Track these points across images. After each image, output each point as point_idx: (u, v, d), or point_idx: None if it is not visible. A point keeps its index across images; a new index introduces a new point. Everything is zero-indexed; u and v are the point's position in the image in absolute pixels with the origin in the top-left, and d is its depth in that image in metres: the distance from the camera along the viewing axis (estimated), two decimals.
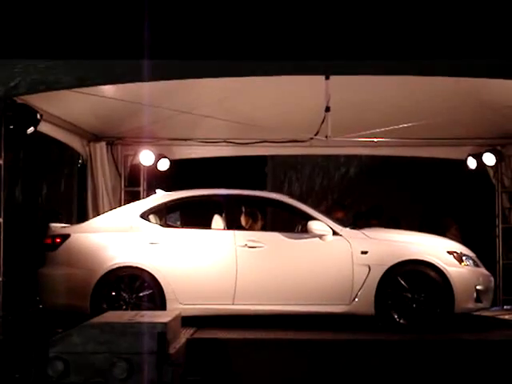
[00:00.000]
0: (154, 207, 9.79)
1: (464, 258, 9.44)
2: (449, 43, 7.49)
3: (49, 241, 9.58)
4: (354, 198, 14.12)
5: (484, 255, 9.98)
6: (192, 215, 11.27)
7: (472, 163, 12.68)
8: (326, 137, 10.90)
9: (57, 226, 9.75)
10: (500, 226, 12.88)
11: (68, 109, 10.43)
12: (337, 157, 15.73)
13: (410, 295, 9.18)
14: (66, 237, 9.51)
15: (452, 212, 13.92)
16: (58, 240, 9.50)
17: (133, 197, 12.15)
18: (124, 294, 9.22)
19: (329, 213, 12.16)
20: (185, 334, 8.21)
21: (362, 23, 7.48)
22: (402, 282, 9.19)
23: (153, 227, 9.62)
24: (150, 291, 9.23)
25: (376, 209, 12.79)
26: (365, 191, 15.20)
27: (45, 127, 10.09)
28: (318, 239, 9.36)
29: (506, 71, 8.01)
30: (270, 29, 7.49)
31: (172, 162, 12.90)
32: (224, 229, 9.61)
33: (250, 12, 7.53)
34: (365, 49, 7.47)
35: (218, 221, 9.70)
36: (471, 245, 9.88)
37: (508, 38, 7.43)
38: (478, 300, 9.39)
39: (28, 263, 10.38)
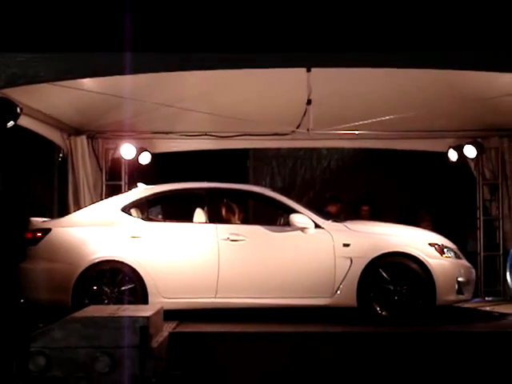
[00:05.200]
0: (135, 201, 9.76)
1: (445, 250, 9.49)
2: (433, 35, 7.51)
3: (30, 235, 9.54)
4: (336, 191, 14.10)
5: (460, 247, 10.01)
6: (174, 209, 11.25)
7: (453, 155, 12.73)
8: (308, 130, 10.91)
9: (38, 221, 9.70)
10: (481, 218, 12.93)
11: (48, 102, 10.37)
12: (319, 149, 15.72)
13: (391, 287, 9.21)
14: (47, 231, 9.47)
15: (431, 204, 14.00)
16: (39, 234, 9.46)
17: (114, 191, 12.10)
18: (106, 289, 9.20)
19: (324, 206, 12.25)
20: (167, 328, 8.19)
21: (345, 15, 7.50)
22: (384, 275, 9.22)
23: (134, 221, 9.59)
24: (132, 285, 9.21)
25: (369, 196, 12.93)
26: (347, 184, 15.20)
27: (25, 121, 10.02)
28: (300, 232, 9.37)
29: (491, 63, 8.03)
30: (252, 20, 7.49)
31: (153, 155, 12.85)
32: (206, 222, 9.60)
33: (233, 4, 7.52)
34: (347, 40, 7.48)
35: (199, 214, 9.69)
36: (447, 237, 9.92)
37: (493, 30, 7.46)
38: (459, 292, 9.44)
39: (9, 258, 10.31)
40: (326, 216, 10.44)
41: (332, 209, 12.31)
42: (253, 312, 9.35)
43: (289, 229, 9.44)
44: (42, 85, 8.82)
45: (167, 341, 7.72)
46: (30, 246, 9.53)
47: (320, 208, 12.17)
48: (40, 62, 7.75)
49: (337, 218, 11.23)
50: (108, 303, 9.07)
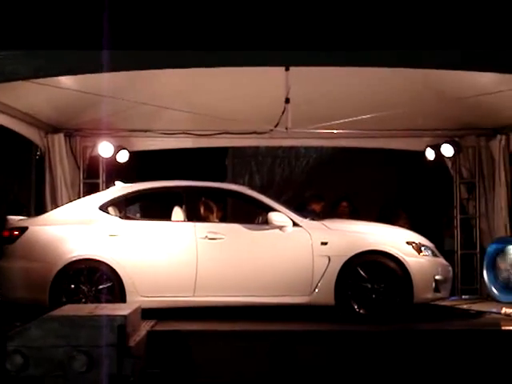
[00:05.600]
0: (113, 199, 9.73)
1: (423, 248, 9.53)
2: (414, 34, 7.54)
3: (6, 233, 9.48)
4: (315, 189, 14.15)
5: (437, 246, 10.07)
6: (152, 207, 11.23)
7: (430, 154, 12.78)
8: (286, 128, 10.92)
9: (15, 219, 9.64)
10: (458, 217, 13.01)
11: (25, 100, 10.30)
12: (298, 148, 15.75)
13: (369, 285, 9.24)
14: (24, 229, 9.41)
15: (409, 202, 14.08)
16: (16, 233, 9.40)
17: (92, 189, 12.05)
18: (83, 287, 9.16)
19: (307, 205, 12.29)
20: (145, 327, 8.17)
21: (324, 13, 7.51)
22: (362, 273, 9.25)
23: (112, 219, 9.56)
24: (110, 284, 9.18)
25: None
26: (326, 182, 15.24)
27: (1, 119, 9.98)
28: (278, 230, 9.38)
29: (473, 63, 8.07)
30: (230, 19, 7.49)
31: (131, 153, 12.80)
32: (184, 221, 9.59)
33: (211, 2, 7.52)
34: (326, 39, 7.50)
35: (178, 213, 9.67)
36: (424, 235, 9.97)
37: (473, 29, 7.50)
38: (436, 290, 9.49)
39: None
40: (310, 214, 10.49)
41: (316, 207, 12.37)
42: (231, 310, 9.34)
43: (267, 227, 9.44)
44: (19, 82, 8.77)
45: (145, 339, 7.70)
46: (6, 245, 9.46)
47: (303, 206, 12.25)
48: (17, 60, 7.72)
49: (319, 215, 11.29)
50: (85, 302, 9.02)
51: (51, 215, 9.92)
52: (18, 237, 9.38)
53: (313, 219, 9.78)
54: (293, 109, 10.54)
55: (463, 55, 7.81)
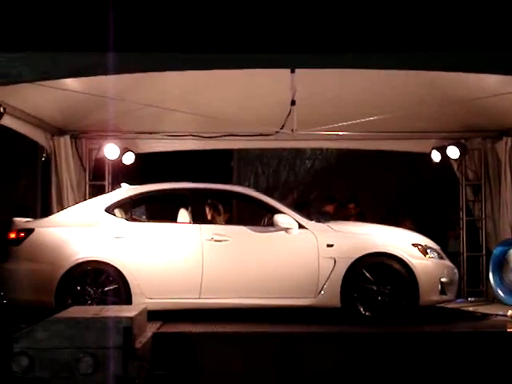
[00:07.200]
0: (119, 201, 9.74)
1: (428, 250, 9.52)
2: (418, 37, 7.54)
3: (13, 235, 9.48)
4: (320, 191, 14.19)
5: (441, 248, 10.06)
6: (158, 209, 11.23)
7: (436, 156, 12.78)
8: (292, 130, 10.93)
9: (21, 221, 9.65)
10: (464, 219, 13.00)
11: (31, 102, 10.32)
12: (303, 150, 15.76)
13: (375, 288, 9.23)
14: (30, 231, 9.42)
15: (414, 204, 14.09)
16: (22, 234, 9.41)
17: (98, 191, 12.07)
18: (89, 289, 9.16)
19: (320, 206, 12.34)
20: (151, 329, 8.18)
21: (329, 16, 7.51)
22: (368, 275, 9.24)
23: (118, 221, 9.57)
24: (116, 285, 9.18)
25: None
26: (331, 184, 15.26)
27: (8, 121, 9.98)
28: (283, 232, 9.38)
29: (476, 65, 8.06)
30: (237, 22, 7.48)
31: (137, 155, 12.83)
32: (190, 222, 9.59)
33: (218, 4, 7.52)
34: (331, 42, 7.50)
35: (183, 214, 9.67)
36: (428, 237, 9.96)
37: (477, 31, 7.49)
38: (442, 292, 9.48)
39: None
40: (325, 216, 10.50)
41: (329, 208, 12.43)
42: (237, 312, 9.34)
43: (273, 229, 9.44)
44: (25, 85, 8.80)
45: (151, 341, 7.70)
46: (12, 247, 9.47)
47: (305, 206, 12.30)
48: (22, 62, 7.72)
49: (332, 217, 11.30)
50: (91, 304, 9.04)
51: (57, 217, 9.93)
52: (23, 239, 9.39)
53: (319, 221, 9.75)
54: (298, 111, 10.55)
55: (472, 57, 7.80)
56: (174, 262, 9.33)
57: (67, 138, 12.15)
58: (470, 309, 11.01)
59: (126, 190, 10.09)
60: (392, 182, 15.25)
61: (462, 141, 12.64)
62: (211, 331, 8.58)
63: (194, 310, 9.32)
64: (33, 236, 9.39)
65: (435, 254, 9.57)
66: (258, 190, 11.13)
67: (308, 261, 9.29)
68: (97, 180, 12.74)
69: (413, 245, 9.48)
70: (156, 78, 9.84)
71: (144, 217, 11.34)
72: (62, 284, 9.13)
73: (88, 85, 9.81)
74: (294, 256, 9.34)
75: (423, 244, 9.57)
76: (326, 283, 9.25)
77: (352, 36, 7.57)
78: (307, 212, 11.20)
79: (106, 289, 9.18)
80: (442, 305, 9.89)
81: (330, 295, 9.24)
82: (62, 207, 11.45)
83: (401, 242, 9.52)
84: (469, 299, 12.25)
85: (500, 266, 10.58)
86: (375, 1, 7.55)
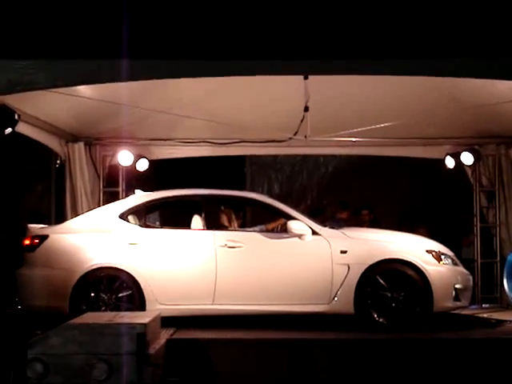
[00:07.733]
0: (132, 208, 9.76)
1: (443, 256, 9.49)
2: (429, 43, 7.53)
3: (27, 241, 9.53)
4: (334, 198, 14.15)
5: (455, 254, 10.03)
6: (171, 215, 11.25)
7: (450, 162, 12.75)
8: (305, 137, 10.93)
9: (35, 227, 9.69)
10: (478, 225, 12.95)
11: (46, 109, 10.37)
12: (316, 156, 15.74)
13: (389, 294, 9.21)
14: (44, 237, 9.46)
15: (428, 210, 14.03)
16: (37, 241, 9.45)
17: (111, 197, 12.10)
18: (103, 295, 9.19)
19: (333, 213, 12.36)
20: (164, 335, 8.19)
21: (342, 23, 7.52)
22: (381, 281, 9.22)
23: (132, 228, 9.59)
24: (130, 292, 9.20)
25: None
26: (344, 190, 15.22)
27: (23, 128, 10.03)
28: (297, 239, 9.37)
29: (486, 71, 8.05)
30: (251, 28, 7.50)
31: (151, 162, 12.85)
32: (203, 229, 9.60)
33: (231, 11, 7.54)
34: (345, 48, 7.51)
35: (197, 221, 9.68)
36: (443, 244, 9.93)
37: (487, 37, 7.48)
38: (456, 299, 9.45)
39: (6, 264, 10.30)
40: (339, 223, 10.49)
41: (343, 215, 12.44)
42: (250, 319, 9.34)
43: (286, 235, 9.44)
44: (39, 92, 8.84)
45: (164, 347, 7.71)
46: (27, 253, 9.51)
47: (321, 213, 12.32)
48: (36, 69, 7.76)
49: (347, 223, 11.29)
50: (105, 310, 9.07)
51: (71, 223, 9.97)
52: (38, 245, 9.43)
53: (332, 227, 9.73)
54: (312, 117, 10.56)
55: (481, 63, 7.79)
56: (188, 268, 9.34)
57: (81, 144, 12.20)
58: (485, 315, 10.96)
59: (140, 197, 10.11)
60: (405, 188, 15.19)
61: (476, 147, 12.60)
62: (224, 337, 8.58)
63: (207, 316, 9.32)
64: (47, 242, 9.43)
65: (449, 261, 9.54)
66: (271, 196, 11.11)
67: (321, 267, 9.28)
68: (111, 186, 12.78)
69: (427, 251, 9.46)
70: (170, 85, 9.86)
71: (157, 223, 11.36)
72: (76, 290, 9.16)
73: (102, 92, 9.85)
74: (308, 262, 9.33)
75: (437, 250, 9.54)
76: (340, 290, 9.24)
77: (365, 43, 7.58)
78: (322, 218, 11.21)
79: (120, 295, 9.20)
80: (456, 311, 9.85)
81: (344, 302, 9.23)
82: (76, 214, 11.48)
83: (415, 248, 9.50)
84: (483, 306, 12.20)
85: None
86: (388, 8, 7.55)
